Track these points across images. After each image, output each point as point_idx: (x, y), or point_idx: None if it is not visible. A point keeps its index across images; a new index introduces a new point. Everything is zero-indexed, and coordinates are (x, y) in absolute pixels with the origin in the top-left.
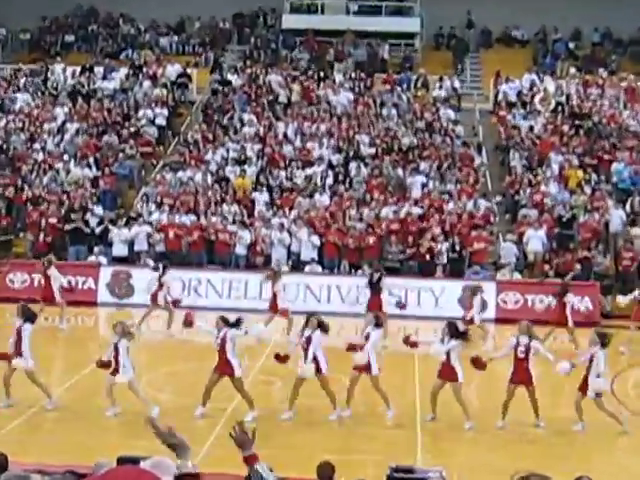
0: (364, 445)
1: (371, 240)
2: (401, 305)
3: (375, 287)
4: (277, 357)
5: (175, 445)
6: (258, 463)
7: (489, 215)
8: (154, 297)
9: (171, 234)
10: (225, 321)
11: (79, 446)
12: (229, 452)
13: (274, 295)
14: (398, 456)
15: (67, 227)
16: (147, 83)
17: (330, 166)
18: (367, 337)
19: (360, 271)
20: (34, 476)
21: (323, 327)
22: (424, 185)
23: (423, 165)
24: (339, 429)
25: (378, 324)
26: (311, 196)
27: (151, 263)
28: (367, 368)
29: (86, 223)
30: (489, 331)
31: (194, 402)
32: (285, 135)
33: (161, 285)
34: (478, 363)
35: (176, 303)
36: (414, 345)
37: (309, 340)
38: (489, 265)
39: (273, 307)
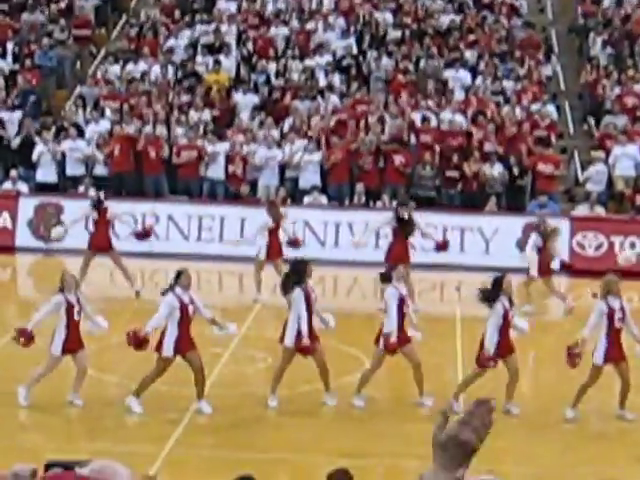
0: (387, 445)
1: (396, 159)
2: (441, 244)
3: (404, 227)
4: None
5: None
6: None
7: (559, 125)
8: (94, 242)
9: (117, 151)
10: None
11: None
12: (193, 456)
13: (275, 234)
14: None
15: None
16: None
17: (339, 56)
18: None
19: (380, 202)
20: None
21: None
22: (470, 83)
23: (468, 54)
24: (352, 424)
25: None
26: (312, 98)
27: (93, 192)
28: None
29: None
30: (559, 290)
31: (156, 387)
32: (277, 12)
33: (106, 222)
34: (572, 358)
35: (148, 234)
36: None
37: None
38: (560, 195)
39: (273, 250)
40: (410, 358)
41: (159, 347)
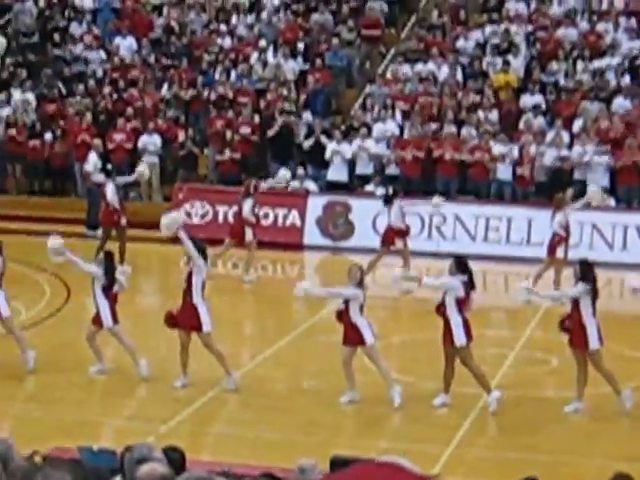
0: None
1: None
2: None
3: None
4: None
5: None
6: None
7: None
8: (387, 238)
9: (407, 152)
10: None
11: (277, 441)
12: (476, 456)
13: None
14: None
15: (270, 132)
16: None
17: (629, 57)
18: None
19: None
20: (218, 479)
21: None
22: None
23: None
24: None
25: None
26: (602, 100)
27: (381, 191)
28: None
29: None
30: None
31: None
32: (566, 13)
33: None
34: None
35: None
36: None
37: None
38: None
39: (551, 250)
40: None
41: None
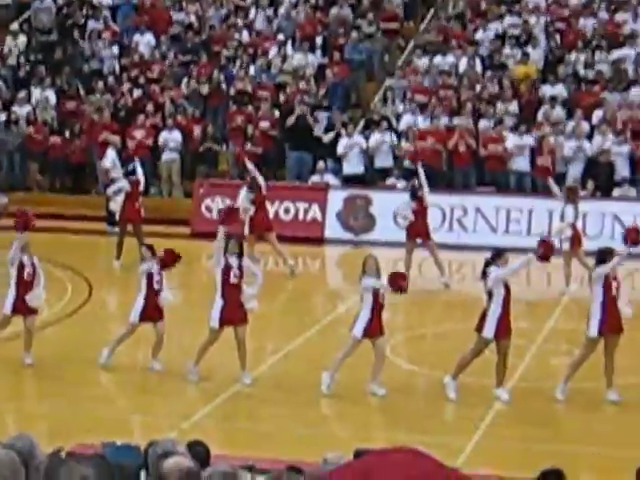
0: None
1: None
2: None
3: None
4: None
5: None
6: None
7: None
8: (414, 232)
9: (429, 143)
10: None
11: (301, 436)
12: (498, 448)
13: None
14: None
15: (288, 122)
16: None
17: None
18: None
19: None
20: (243, 473)
21: None
22: None
23: None
24: None
25: None
26: (622, 90)
27: (399, 184)
28: None
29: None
30: None
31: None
32: (585, 3)
33: (424, 211)
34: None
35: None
36: None
37: None
38: None
39: (576, 243)
40: None
41: (480, 327)
